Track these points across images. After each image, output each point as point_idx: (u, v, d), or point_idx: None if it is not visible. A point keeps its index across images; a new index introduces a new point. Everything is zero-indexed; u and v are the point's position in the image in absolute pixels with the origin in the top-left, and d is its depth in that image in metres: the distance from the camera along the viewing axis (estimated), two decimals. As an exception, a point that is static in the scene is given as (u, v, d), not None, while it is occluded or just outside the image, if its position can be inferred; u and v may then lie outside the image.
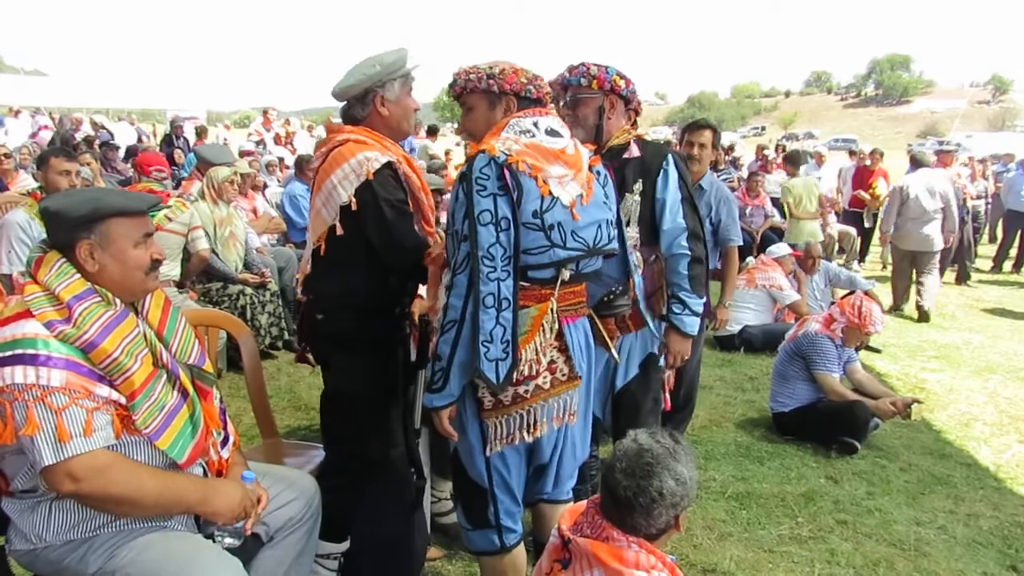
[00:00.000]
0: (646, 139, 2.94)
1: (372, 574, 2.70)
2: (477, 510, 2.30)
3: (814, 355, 4.49)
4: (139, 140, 15.18)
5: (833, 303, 6.09)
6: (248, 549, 2.12)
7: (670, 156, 2.85)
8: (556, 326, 2.18)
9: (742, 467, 4.09)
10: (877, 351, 6.64)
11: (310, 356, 2.68)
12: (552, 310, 2.16)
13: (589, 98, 2.80)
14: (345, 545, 2.68)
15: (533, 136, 2.15)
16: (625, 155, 2.84)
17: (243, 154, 9.90)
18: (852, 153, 12.48)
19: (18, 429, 1.73)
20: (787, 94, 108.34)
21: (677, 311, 2.85)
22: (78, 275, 1.88)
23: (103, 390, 1.82)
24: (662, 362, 2.98)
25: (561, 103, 2.87)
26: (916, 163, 8.23)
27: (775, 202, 10.92)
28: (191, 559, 1.88)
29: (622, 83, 2.81)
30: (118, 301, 1.92)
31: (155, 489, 1.86)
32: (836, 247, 10.34)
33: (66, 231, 1.90)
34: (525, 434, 2.18)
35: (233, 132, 23.22)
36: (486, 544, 2.32)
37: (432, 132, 13.60)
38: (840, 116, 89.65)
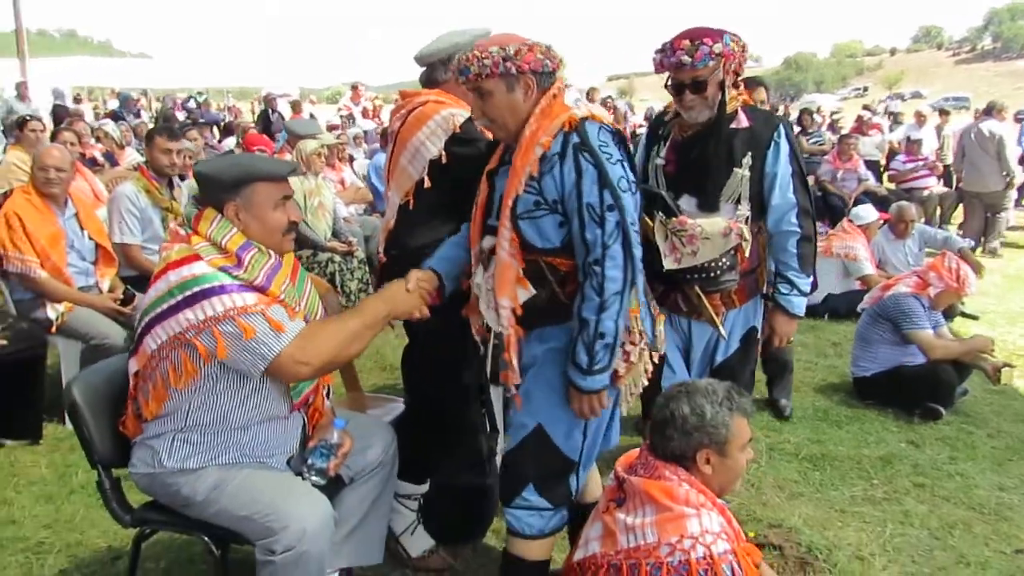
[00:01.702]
0: (753, 105, 2.81)
1: (450, 517, 2.87)
2: (560, 487, 2.22)
3: (901, 317, 4.37)
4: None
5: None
6: (331, 488, 2.31)
7: (781, 127, 2.70)
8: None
9: (819, 430, 4.07)
10: (974, 318, 6.35)
11: None
12: None
13: (714, 77, 2.59)
14: (424, 487, 2.86)
15: (582, 104, 2.14)
16: (733, 125, 2.67)
17: (330, 128, 10.26)
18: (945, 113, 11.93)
19: (232, 342, 1.95)
20: (893, 52, 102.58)
21: (785, 291, 2.77)
22: (236, 230, 2.07)
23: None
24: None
25: (669, 85, 2.70)
26: (987, 111, 9.37)
27: (870, 165, 10.54)
28: (284, 491, 2.09)
29: (739, 49, 2.60)
30: (271, 253, 2.12)
31: (358, 327, 2.12)
32: (936, 209, 9.89)
33: (216, 193, 2.10)
34: (646, 379, 2.24)
35: (321, 107, 23.95)
36: (560, 522, 2.26)
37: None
38: (951, 73, 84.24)
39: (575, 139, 2.00)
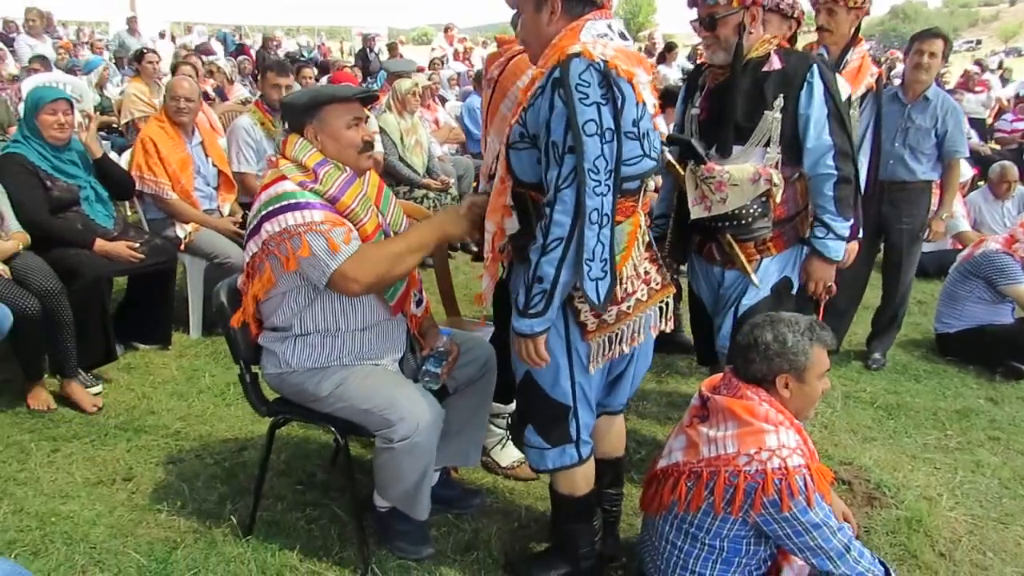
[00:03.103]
0: (789, 48, 2.72)
1: None
2: (558, 429, 2.25)
3: (995, 273, 4.35)
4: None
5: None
6: (438, 397, 2.57)
7: (815, 67, 2.57)
8: (647, 238, 2.19)
9: (896, 383, 4.14)
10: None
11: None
12: (642, 223, 2.15)
13: (729, 16, 2.53)
14: (512, 407, 3.11)
15: (611, 40, 2.01)
16: (765, 68, 2.59)
17: (419, 69, 10.46)
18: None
19: (296, 255, 2.22)
20: (1013, 1, 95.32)
21: (820, 235, 2.64)
22: (314, 149, 2.35)
23: (349, 224, 2.31)
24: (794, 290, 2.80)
25: (693, 21, 2.67)
26: None
27: (975, 123, 10.11)
28: (399, 388, 2.39)
29: None
30: (347, 168, 2.37)
31: (402, 250, 2.31)
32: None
33: (295, 118, 2.39)
34: (625, 347, 2.18)
35: (409, 48, 24.02)
36: (566, 460, 2.29)
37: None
38: (1077, 27, 77.76)
39: (556, 74, 1.94)
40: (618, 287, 2.07)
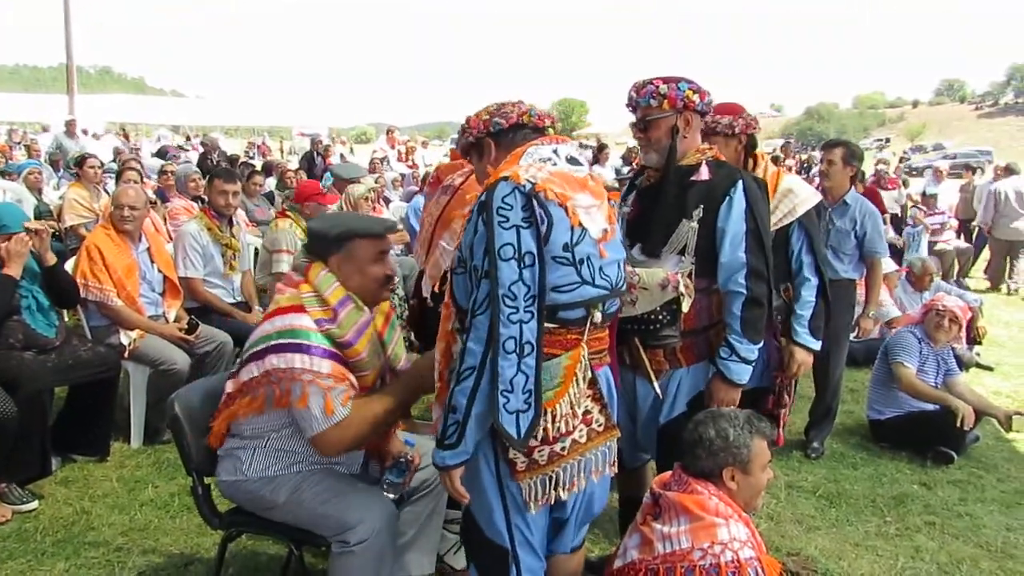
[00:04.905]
0: (722, 160, 2.67)
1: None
2: (498, 573, 2.11)
3: (890, 350, 4.66)
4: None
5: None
6: (395, 500, 2.58)
7: (740, 182, 2.53)
8: (589, 374, 2.04)
9: (835, 471, 4.29)
10: (989, 369, 6.56)
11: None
12: (584, 357, 2.01)
13: (661, 119, 2.54)
14: None
15: (555, 164, 2.01)
16: (693, 177, 2.56)
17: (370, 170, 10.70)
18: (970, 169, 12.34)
19: (293, 400, 2.24)
20: (915, 104, 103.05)
21: (724, 355, 2.53)
22: (338, 283, 2.34)
23: (352, 378, 2.32)
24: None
25: (631, 125, 2.67)
26: (1009, 171, 10.53)
27: (891, 219, 10.80)
28: (356, 491, 2.40)
29: (696, 98, 2.51)
30: (366, 308, 2.38)
31: (382, 412, 2.34)
32: (954, 263, 10.14)
33: (323, 246, 2.40)
34: (562, 492, 2.03)
35: (350, 147, 24.47)
36: None
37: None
38: (974, 127, 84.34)
39: (483, 197, 1.94)
40: (549, 425, 1.96)
